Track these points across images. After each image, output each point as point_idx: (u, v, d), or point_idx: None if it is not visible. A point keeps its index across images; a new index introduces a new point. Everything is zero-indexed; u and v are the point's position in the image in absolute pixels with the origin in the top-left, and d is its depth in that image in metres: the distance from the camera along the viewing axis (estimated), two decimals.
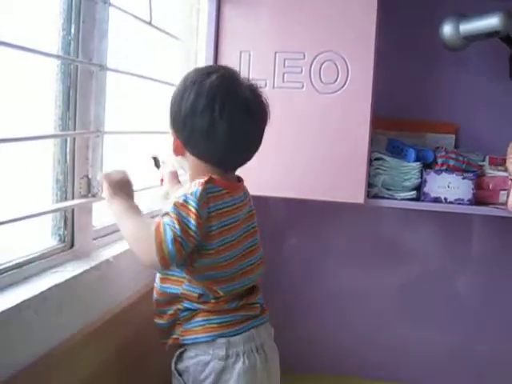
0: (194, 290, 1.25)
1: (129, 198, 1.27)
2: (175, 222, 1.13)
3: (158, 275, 1.31)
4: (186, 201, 1.16)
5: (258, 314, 1.34)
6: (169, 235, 1.12)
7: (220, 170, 1.27)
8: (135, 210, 1.25)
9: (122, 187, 1.28)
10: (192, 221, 1.14)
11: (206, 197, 1.18)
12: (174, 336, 1.30)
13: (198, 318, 1.27)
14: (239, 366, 1.25)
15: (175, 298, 1.28)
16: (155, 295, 1.32)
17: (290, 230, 2.28)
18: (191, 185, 1.21)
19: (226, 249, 1.24)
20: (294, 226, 2.28)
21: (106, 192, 1.26)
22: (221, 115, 1.21)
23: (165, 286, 1.29)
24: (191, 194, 1.17)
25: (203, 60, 1.81)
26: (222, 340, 1.25)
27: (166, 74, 1.77)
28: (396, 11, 1.98)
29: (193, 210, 1.15)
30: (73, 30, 1.27)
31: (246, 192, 1.36)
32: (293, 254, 2.26)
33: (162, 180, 1.56)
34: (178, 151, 1.29)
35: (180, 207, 1.15)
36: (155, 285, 1.32)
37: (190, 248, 1.16)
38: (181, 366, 1.29)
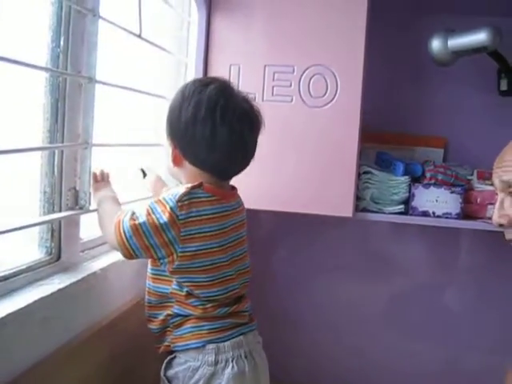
0: (181, 289, 1.27)
1: (112, 192, 1.38)
2: (144, 210, 1.21)
3: (150, 276, 1.33)
4: (164, 199, 1.22)
5: (247, 322, 1.36)
6: (128, 214, 1.21)
7: (216, 179, 1.30)
8: (114, 200, 1.35)
9: (106, 184, 1.40)
10: (164, 217, 1.19)
11: (187, 200, 1.22)
12: (166, 343, 1.32)
13: (188, 325, 1.29)
14: (228, 371, 1.27)
15: (166, 299, 1.30)
16: (147, 296, 1.34)
17: (278, 243, 2.28)
18: (178, 188, 1.25)
19: (207, 254, 1.26)
20: (282, 239, 2.28)
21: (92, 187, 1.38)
22: (221, 123, 1.24)
23: (156, 285, 1.32)
24: (172, 194, 1.22)
25: (193, 73, 1.81)
26: (212, 346, 1.28)
27: (155, 87, 1.77)
28: (385, 26, 2.01)
29: (168, 208, 1.20)
30: (62, 43, 1.27)
31: (239, 201, 1.39)
32: (281, 266, 2.26)
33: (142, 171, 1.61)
34: (176, 161, 1.31)
35: (157, 202, 1.22)
36: (147, 286, 1.34)
37: (153, 235, 1.19)
38: (170, 372, 1.31)
